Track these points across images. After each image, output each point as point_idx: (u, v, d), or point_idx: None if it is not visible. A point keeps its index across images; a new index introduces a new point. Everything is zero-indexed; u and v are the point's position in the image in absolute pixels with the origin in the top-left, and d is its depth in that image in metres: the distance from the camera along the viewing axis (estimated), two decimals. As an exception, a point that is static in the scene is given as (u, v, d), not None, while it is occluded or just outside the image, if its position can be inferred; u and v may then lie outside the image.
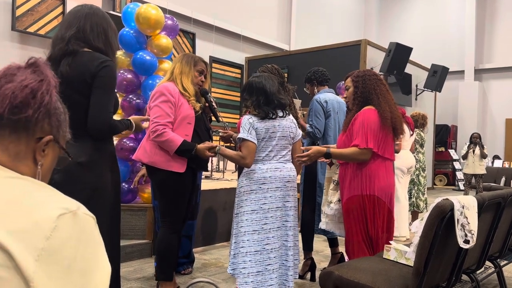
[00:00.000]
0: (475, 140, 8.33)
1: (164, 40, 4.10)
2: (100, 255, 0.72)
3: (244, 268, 2.47)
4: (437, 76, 10.29)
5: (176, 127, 2.64)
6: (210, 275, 3.50)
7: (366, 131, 2.51)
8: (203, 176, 5.50)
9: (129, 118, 2.30)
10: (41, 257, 0.63)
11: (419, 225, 2.09)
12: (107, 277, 0.72)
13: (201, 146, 2.64)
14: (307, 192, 3.53)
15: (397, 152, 4.98)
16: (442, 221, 1.94)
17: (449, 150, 12.52)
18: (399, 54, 8.44)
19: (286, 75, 2.95)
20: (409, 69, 9.56)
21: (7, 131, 0.79)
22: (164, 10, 5.54)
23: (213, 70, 9.31)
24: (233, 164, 6.01)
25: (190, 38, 8.75)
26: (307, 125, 3.52)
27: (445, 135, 13.06)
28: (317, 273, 3.36)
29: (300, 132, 2.76)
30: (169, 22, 4.25)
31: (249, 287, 2.45)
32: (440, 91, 10.77)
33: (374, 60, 8.77)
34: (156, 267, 2.88)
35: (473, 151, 8.26)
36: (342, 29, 13.49)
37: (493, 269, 2.94)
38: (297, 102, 3.57)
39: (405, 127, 5.21)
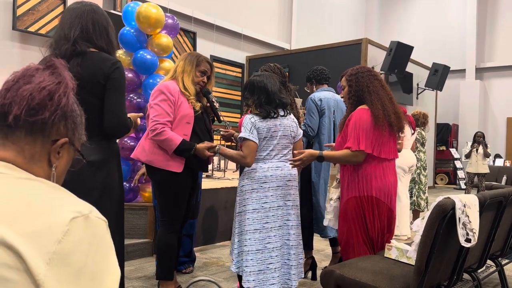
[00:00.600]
0: (479, 139, 8.30)
1: (164, 39, 4.09)
2: (111, 259, 0.72)
3: (247, 266, 2.48)
4: (438, 75, 10.28)
5: (175, 127, 2.64)
6: (211, 274, 3.51)
7: (358, 133, 2.45)
8: (204, 175, 5.49)
9: (128, 116, 2.30)
10: (52, 260, 0.63)
11: (420, 224, 2.08)
12: (116, 281, 0.72)
13: (200, 145, 2.63)
14: (304, 191, 3.52)
15: (399, 151, 4.99)
16: (444, 219, 1.94)
17: (450, 149, 12.50)
18: (400, 53, 8.43)
19: (287, 74, 2.95)
20: (410, 68, 9.55)
21: (23, 132, 0.79)
22: (165, 9, 5.54)
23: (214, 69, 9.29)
24: (234, 163, 6.01)
25: (190, 37, 8.75)
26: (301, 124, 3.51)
27: (446, 134, 13.04)
28: (318, 272, 3.36)
29: (301, 131, 2.76)
30: (170, 21, 4.24)
31: (251, 286, 2.46)
32: (441, 90, 10.75)
33: (375, 59, 8.76)
34: (156, 266, 2.89)
35: (477, 150, 8.24)
36: (343, 28, 13.47)
37: (494, 268, 2.94)
38: (298, 101, 3.56)
39: (406, 126, 5.21)
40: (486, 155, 8.24)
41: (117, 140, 3.79)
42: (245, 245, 2.49)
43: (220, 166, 7.45)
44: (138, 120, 2.39)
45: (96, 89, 2.00)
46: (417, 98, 10.60)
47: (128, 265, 3.57)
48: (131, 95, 3.93)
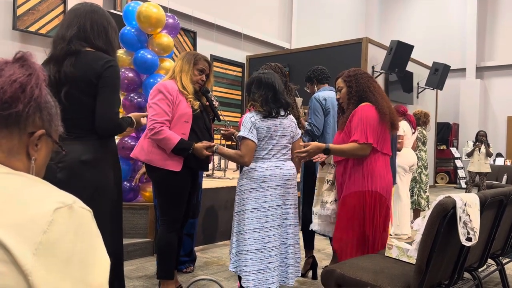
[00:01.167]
0: (482, 138, 8.28)
1: (165, 38, 4.09)
2: (98, 247, 0.72)
3: (246, 266, 2.48)
4: (439, 74, 10.28)
5: (173, 125, 2.64)
6: (212, 273, 3.51)
7: (365, 127, 2.49)
8: (204, 175, 5.49)
9: (129, 115, 2.30)
10: (39, 250, 0.64)
11: (421, 223, 2.08)
12: (106, 269, 0.72)
13: (198, 145, 2.63)
14: (307, 190, 3.52)
15: (399, 150, 4.99)
16: (444, 218, 1.93)
17: (451, 148, 12.49)
18: (400, 52, 8.42)
19: (287, 73, 2.94)
20: (410, 67, 9.54)
21: None
22: (165, 8, 5.54)
23: (214, 68, 9.30)
24: (235, 163, 6.01)
25: (191, 36, 8.75)
26: (306, 123, 3.51)
27: (446, 133, 13.03)
28: (319, 271, 3.36)
29: (299, 131, 2.77)
30: (170, 20, 4.24)
31: (251, 285, 2.46)
32: (441, 89, 10.75)
33: (376, 58, 8.76)
34: (157, 265, 2.89)
35: (479, 149, 8.22)
36: (343, 27, 13.46)
37: (495, 267, 2.94)
38: (299, 101, 3.57)
39: (407, 125, 5.21)
40: (489, 154, 8.22)
41: (117, 140, 3.82)
42: (245, 245, 2.49)
43: (220, 165, 7.45)
44: (143, 119, 2.39)
45: (89, 88, 1.99)
46: (417, 97, 10.59)
47: (128, 265, 3.57)
48: (131, 95, 3.93)
